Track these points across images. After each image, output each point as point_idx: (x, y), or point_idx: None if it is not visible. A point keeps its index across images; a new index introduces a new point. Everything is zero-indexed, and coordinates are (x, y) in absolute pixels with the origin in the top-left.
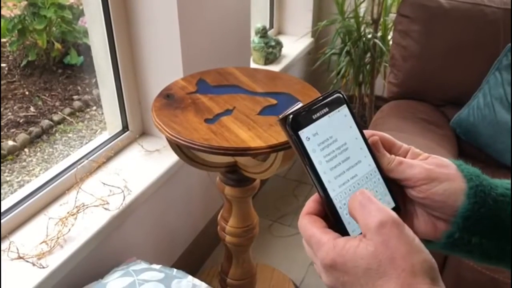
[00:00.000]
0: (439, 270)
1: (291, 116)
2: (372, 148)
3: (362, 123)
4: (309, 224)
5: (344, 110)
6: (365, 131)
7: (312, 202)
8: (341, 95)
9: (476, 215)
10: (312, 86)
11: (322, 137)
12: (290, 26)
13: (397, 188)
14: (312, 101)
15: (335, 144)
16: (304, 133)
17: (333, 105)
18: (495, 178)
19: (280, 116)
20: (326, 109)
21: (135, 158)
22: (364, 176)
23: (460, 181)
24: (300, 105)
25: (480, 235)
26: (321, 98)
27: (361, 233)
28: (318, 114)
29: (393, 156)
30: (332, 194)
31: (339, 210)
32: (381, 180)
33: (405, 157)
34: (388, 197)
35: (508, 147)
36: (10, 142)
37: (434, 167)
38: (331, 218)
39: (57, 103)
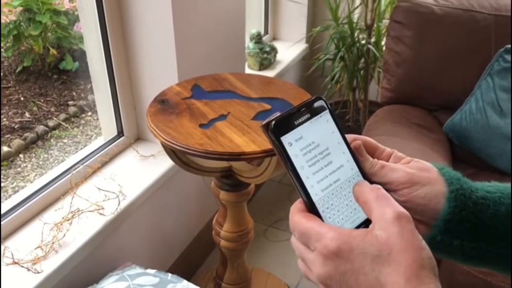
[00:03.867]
0: None
1: (273, 122)
2: (354, 153)
3: (356, 128)
4: (304, 219)
5: (326, 115)
6: (348, 136)
7: (300, 203)
8: (323, 101)
9: (456, 218)
10: (307, 91)
11: (304, 142)
12: (284, 32)
13: None
14: (294, 107)
15: (317, 149)
16: (286, 139)
17: (315, 111)
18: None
19: (263, 123)
20: (308, 115)
21: (130, 163)
22: (347, 180)
23: (441, 184)
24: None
25: (461, 237)
26: (303, 104)
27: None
28: (300, 120)
29: (375, 160)
30: (315, 198)
31: (322, 214)
32: None
33: (387, 160)
34: None
35: (500, 152)
36: (5, 148)
37: (415, 171)
38: None
39: (52, 109)
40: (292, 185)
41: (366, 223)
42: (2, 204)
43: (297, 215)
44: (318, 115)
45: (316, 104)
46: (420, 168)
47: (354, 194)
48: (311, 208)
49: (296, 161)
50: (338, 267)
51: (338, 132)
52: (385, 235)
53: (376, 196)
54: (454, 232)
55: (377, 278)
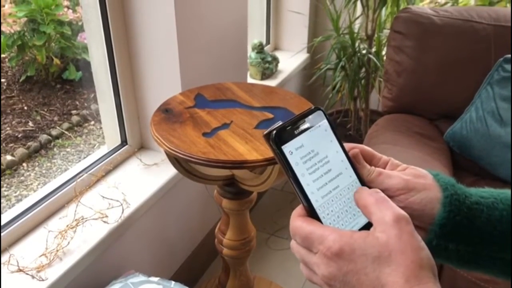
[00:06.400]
0: None
1: (274, 131)
2: (352, 160)
3: (357, 137)
4: (305, 223)
5: (324, 125)
6: (345, 144)
7: (301, 209)
8: (321, 112)
9: (451, 222)
10: (308, 101)
11: (304, 151)
12: (286, 42)
13: None
14: (294, 117)
15: (317, 157)
16: (287, 147)
17: (314, 121)
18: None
19: (265, 132)
20: (308, 125)
21: (133, 171)
22: (346, 187)
23: (436, 190)
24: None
25: (456, 241)
26: (302, 114)
27: None
28: (300, 129)
29: (373, 167)
30: (315, 205)
31: (323, 220)
32: None
33: (384, 168)
34: None
35: (501, 160)
36: (9, 157)
37: (411, 178)
38: None
39: (56, 118)
40: (294, 194)
41: (366, 227)
42: (7, 212)
43: (298, 220)
44: (317, 125)
45: (315, 115)
46: (416, 175)
47: (355, 199)
48: (312, 214)
49: (297, 169)
50: (341, 268)
51: (337, 141)
52: (385, 237)
53: (376, 199)
54: (450, 236)
55: (378, 278)
